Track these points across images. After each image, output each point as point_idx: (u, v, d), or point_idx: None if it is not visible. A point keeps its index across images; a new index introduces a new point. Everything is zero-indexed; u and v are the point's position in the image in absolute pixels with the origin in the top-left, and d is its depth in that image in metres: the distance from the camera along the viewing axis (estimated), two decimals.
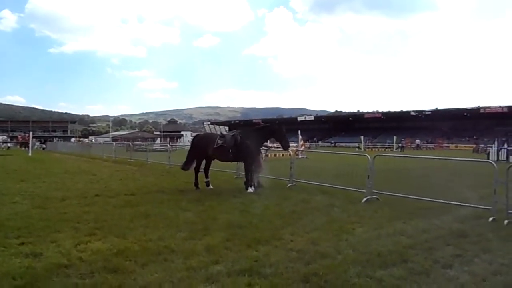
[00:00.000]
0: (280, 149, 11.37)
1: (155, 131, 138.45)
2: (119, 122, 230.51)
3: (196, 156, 9.55)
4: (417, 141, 56.60)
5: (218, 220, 6.02)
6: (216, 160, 9.73)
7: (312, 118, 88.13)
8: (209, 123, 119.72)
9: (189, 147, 10.41)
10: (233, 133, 9.26)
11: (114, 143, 29.34)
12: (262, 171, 9.69)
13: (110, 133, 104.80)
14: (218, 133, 10.62)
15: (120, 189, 9.19)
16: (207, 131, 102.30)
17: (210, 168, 9.88)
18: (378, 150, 45.93)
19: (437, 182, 9.27)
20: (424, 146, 56.17)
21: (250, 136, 9.13)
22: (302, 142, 27.31)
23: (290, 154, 10.71)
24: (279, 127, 9.21)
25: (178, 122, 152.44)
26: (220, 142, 9.10)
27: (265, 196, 8.33)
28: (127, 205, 7.15)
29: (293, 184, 9.86)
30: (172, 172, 13.63)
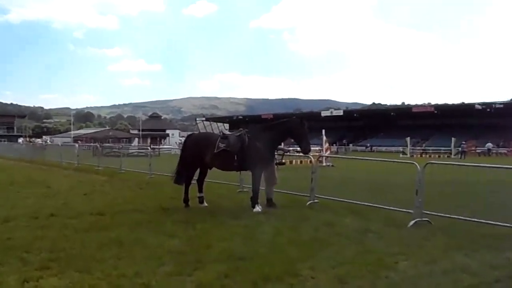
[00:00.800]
0: (297, 154, 11.38)
1: (132, 129, 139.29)
2: (84, 117, 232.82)
3: (189, 164, 9.63)
4: (489, 144, 54.86)
5: (213, 249, 6.04)
6: (215, 168, 9.77)
7: (340, 112, 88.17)
8: (203, 119, 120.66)
9: (178, 151, 10.48)
10: (239, 133, 9.31)
11: (76, 144, 29.55)
12: (275, 184, 9.71)
13: (72, 132, 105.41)
14: (218, 132, 10.67)
15: (84, 207, 9.25)
16: (202, 130, 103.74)
17: (205, 179, 9.93)
18: (429, 156, 45.74)
19: (510, 201, 9.18)
20: (495, 151, 54.88)
21: (261, 136, 9.16)
22: (327, 145, 27.27)
23: (311, 161, 10.71)
24: (299, 122, 9.22)
25: (162, 118, 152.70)
26: (222, 145, 9.14)
27: (277, 217, 8.33)
28: (93, 229, 7.19)
29: (315, 201, 9.85)
30: (153, 184, 13.68)
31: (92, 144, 37.75)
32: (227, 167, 9.44)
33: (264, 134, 9.20)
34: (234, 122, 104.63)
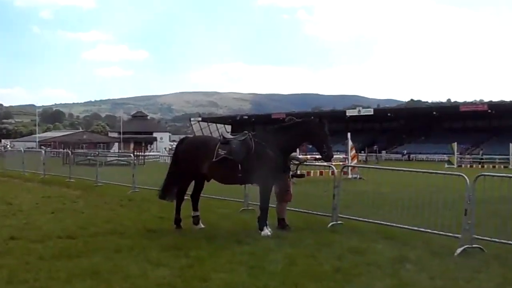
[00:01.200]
0: (316, 162, 11.36)
1: (111, 131, 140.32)
2: (52, 116, 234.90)
3: (182, 175, 9.67)
4: None
5: (211, 283, 6.04)
6: (213, 181, 9.79)
7: (370, 112, 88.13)
8: (199, 119, 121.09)
9: (168, 159, 10.54)
10: (243, 137, 9.34)
11: (43, 150, 29.72)
12: (289, 201, 9.72)
13: (37, 135, 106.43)
14: (217, 136, 10.71)
15: (52, 228, 9.28)
16: (197, 133, 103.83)
17: (201, 195, 9.96)
18: (482, 166, 45.53)
19: None
20: None
21: (272, 140, 9.19)
22: (353, 152, 27.22)
23: (333, 172, 10.70)
24: (318, 122, 9.25)
25: (148, 118, 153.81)
26: (222, 152, 9.17)
27: (291, 242, 8.32)
28: (63, 255, 7.22)
29: (338, 222, 9.86)
30: (137, 201, 13.74)
31: (62, 150, 38.02)
32: (229, 179, 9.45)
33: (275, 138, 9.20)
34: (237, 123, 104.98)
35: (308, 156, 20.39)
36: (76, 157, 27.37)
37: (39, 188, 17.70)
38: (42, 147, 58.23)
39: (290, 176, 9.65)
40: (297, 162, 10.08)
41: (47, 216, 11.03)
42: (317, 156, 12.48)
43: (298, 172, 9.95)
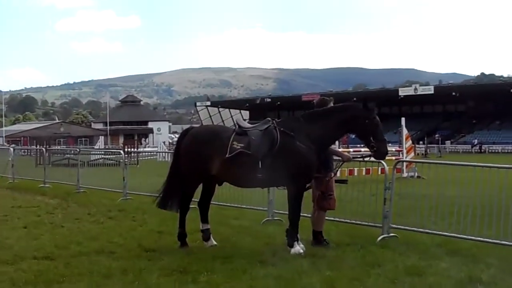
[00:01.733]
0: (360, 158, 11.27)
1: (95, 121, 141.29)
2: (21, 104, 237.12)
3: (186, 176, 9.66)
4: None
5: None
6: (227, 184, 9.84)
7: (430, 90, 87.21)
8: (208, 103, 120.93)
9: (169, 156, 10.56)
10: (266, 125, 9.31)
11: (11, 148, 29.99)
12: (333, 208, 9.71)
13: (3, 128, 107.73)
14: (231, 125, 10.69)
15: (25, 247, 9.37)
16: (205, 121, 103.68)
17: (211, 202, 10.01)
18: None
19: None
20: None
21: (303, 130, 9.17)
22: (409, 143, 27.04)
23: (383, 170, 10.65)
24: (365, 108, 9.18)
25: (142, 103, 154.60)
26: (238, 145, 9.15)
27: (330, 262, 8.32)
28: (39, 281, 7.28)
29: (390, 235, 9.85)
30: (130, 211, 13.83)
31: (34, 147, 38.41)
32: (248, 181, 9.41)
33: (308, 128, 9.17)
34: (257, 107, 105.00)
35: (351, 150, 20.31)
36: (52, 156, 27.58)
37: (7, 196, 17.92)
38: (12, 143, 58.96)
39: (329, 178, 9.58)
40: (340, 161, 10.01)
41: (18, 231, 11.14)
42: (364, 151, 12.40)
43: (338, 174, 9.89)
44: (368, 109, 9.14)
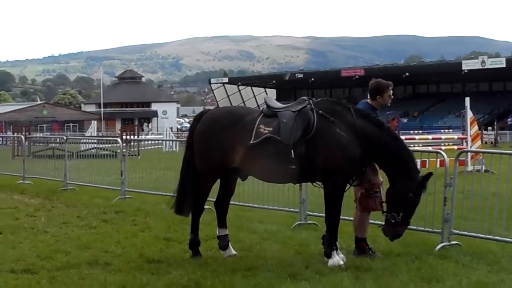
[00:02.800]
0: (415, 147, 11.23)
1: (86, 103, 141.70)
2: None
3: (201, 171, 9.68)
4: None
5: None
6: (251, 178, 9.95)
7: (501, 63, 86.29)
8: (225, 79, 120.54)
9: (177, 146, 10.58)
10: (300, 105, 9.30)
11: None
12: (379, 209, 9.63)
13: None
14: (256, 106, 10.63)
15: (2, 258, 9.45)
16: (222, 103, 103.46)
17: (231, 202, 10.09)
18: None
19: None
20: None
21: (348, 117, 9.13)
22: (475, 129, 26.86)
23: (443, 162, 10.66)
24: (421, 185, 9.02)
25: (143, 79, 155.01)
26: (265, 130, 9.13)
27: (377, 276, 8.33)
28: None
29: (452, 243, 9.85)
30: (129, 213, 13.90)
31: (11, 135, 38.74)
32: (276, 174, 9.41)
33: (356, 120, 9.11)
34: (286, 85, 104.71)
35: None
36: (33, 146, 27.75)
37: None
38: None
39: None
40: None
41: None
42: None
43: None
44: (423, 184, 9.01)
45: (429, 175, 9.12)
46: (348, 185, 9.25)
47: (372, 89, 9.79)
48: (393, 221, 8.92)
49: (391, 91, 9.71)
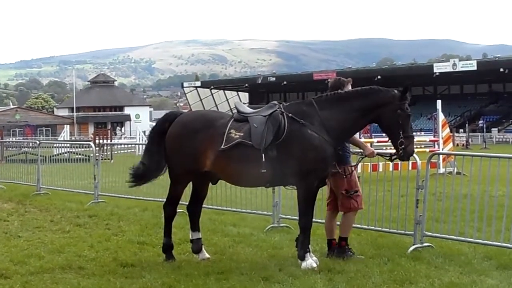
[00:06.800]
0: (386, 154, 11.28)
1: (58, 107, 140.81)
2: None
3: (173, 174, 9.75)
4: None
5: None
6: (223, 183, 9.99)
7: (472, 66, 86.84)
8: (198, 83, 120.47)
9: (145, 148, 10.56)
10: (271, 110, 9.33)
11: None
12: (361, 208, 9.77)
13: None
14: (227, 110, 10.67)
15: None
16: (195, 106, 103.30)
17: (203, 205, 10.11)
18: None
19: None
20: None
21: (316, 117, 9.16)
22: (447, 131, 27.03)
23: (415, 165, 10.79)
24: (402, 95, 9.17)
25: (116, 83, 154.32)
26: (236, 134, 9.18)
27: (351, 278, 8.36)
28: None
29: (424, 245, 9.91)
30: (102, 217, 13.86)
31: None
32: (248, 178, 9.46)
33: (324, 115, 9.16)
34: (258, 88, 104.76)
35: (375, 141, 20.32)
36: (6, 150, 27.59)
37: None
38: None
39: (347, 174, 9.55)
40: (360, 155, 9.95)
41: None
42: (388, 149, 12.35)
43: (359, 170, 9.84)
44: (404, 97, 9.12)
45: (406, 88, 9.26)
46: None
47: (332, 86, 9.84)
48: (402, 145, 8.99)
49: (350, 87, 9.73)
